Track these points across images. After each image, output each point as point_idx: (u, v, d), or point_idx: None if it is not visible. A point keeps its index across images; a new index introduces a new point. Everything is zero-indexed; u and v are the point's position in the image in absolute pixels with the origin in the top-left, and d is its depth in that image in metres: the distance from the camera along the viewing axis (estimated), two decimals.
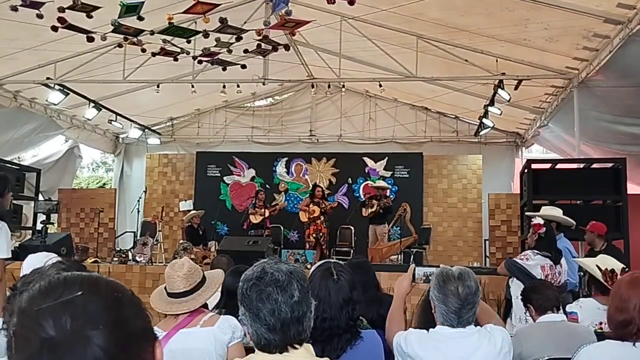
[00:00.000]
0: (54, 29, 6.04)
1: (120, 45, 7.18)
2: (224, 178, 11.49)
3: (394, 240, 8.73)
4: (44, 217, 6.60)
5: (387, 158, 11.04)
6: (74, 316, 0.80)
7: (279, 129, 12.02)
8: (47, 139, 10.61)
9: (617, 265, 3.51)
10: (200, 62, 7.74)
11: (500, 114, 8.87)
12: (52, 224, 8.10)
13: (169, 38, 6.90)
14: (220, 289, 3.10)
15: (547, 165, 7.72)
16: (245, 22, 6.93)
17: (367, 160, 11.11)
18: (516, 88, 7.93)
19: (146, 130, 11.75)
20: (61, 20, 5.90)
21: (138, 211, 9.82)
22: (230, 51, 7.30)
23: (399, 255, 8.27)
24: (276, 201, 10.93)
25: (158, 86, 9.12)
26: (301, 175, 11.37)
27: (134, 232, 9.64)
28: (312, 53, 9.50)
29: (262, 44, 7.30)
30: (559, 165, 7.75)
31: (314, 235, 9.34)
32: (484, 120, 9.41)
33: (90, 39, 6.43)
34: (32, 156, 11.87)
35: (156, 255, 8.10)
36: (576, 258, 5.20)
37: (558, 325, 3.13)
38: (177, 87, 9.66)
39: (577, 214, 5.80)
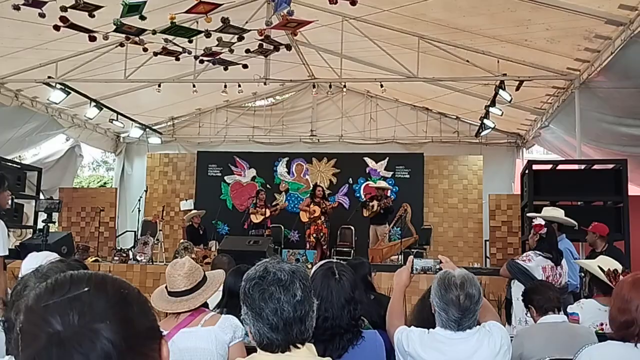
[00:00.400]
0: (56, 28, 6.04)
1: (122, 45, 7.19)
2: (225, 178, 11.50)
3: (394, 241, 8.72)
4: (45, 216, 6.59)
5: (387, 158, 11.04)
6: (81, 312, 0.80)
7: (280, 129, 12.02)
8: (48, 138, 10.61)
9: (617, 266, 3.51)
10: (201, 61, 7.75)
11: (501, 115, 8.87)
12: (53, 223, 8.09)
13: (170, 37, 6.91)
14: (221, 289, 3.10)
15: (548, 166, 7.72)
16: (247, 22, 6.95)
17: (368, 160, 11.11)
18: (517, 89, 7.93)
19: (147, 129, 11.75)
20: (63, 19, 5.90)
21: (139, 210, 9.83)
22: (231, 51, 7.31)
23: (400, 256, 8.26)
24: (277, 201, 10.93)
25: (159, 85, 9.13)
26: (302, 175, 11.37)
27: (135, 232, 9.64)
28: (313, 53, 9.51)
29: (264, 44, 7.31)
30: (559, 166, 7.76)
31: (315, 235, 9.34)
32: (485, 121, 9.41)
33: (92, 39, 6.44)
34: (33, 155, 11.89)
35: (157, 255, 8.10)
36: (577, 259, 5.20)
37: (559, 326, 3.12)
38: (178, 87, 9.67)
39: (578, 215, 5.80)
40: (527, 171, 7.33)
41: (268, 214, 9.50)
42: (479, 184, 10.87)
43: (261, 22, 6.78)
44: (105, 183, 18.30)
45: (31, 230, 9.25)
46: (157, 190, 11.71)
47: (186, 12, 5.96)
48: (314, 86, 10.23)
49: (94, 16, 5.82)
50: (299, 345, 1.52)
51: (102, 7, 5.73)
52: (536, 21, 6.32)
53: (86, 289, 0.83)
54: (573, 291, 4.97)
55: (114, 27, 6.10)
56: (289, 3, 5.68)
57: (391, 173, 10.98)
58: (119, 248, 8.74)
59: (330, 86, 10.19)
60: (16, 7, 5.57)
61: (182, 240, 8.66)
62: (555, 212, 5.57)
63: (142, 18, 5.79)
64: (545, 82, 8.04)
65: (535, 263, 4.36)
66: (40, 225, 7.43)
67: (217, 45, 7.02)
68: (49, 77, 8.50)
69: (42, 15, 5.66)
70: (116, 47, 7.44)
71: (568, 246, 5.33)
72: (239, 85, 9.53)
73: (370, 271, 3.52)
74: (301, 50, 9.68)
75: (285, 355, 1.51)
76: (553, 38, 6.65)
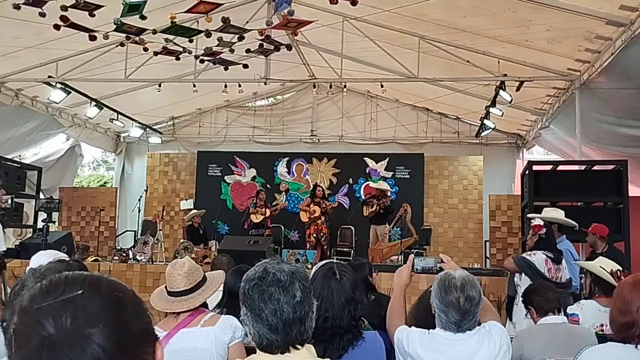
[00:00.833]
0: (57, 27, 6.04)
1: (122, 44, 7.19)
2: (225, 177, 11.50)
3: (394, 241, 8.72)
4: (45, 216, 6.58)
5: (388, 158, 11.04)
6: (74, 315, 0.80)
7: (280, 129, 12.02)
8: (49, 138, 10.61)
9: (616, 268, 3.51)
10: (202, 61, 7.74)
11: (502, 115, 8.87)
12: (53, 222, 8.08)
13: (171, 37, 6.90)
14: (221, 289, 3.10)
15: (548, 167, 7.72)
16: (247, 22, 6.95)
17: (368, 160, 11.11)
18: (518, 89, 7.92)
19: (147, 129, 11.75)
20: (63, 18, 5.90)
21: (139, 210, 9.84)
22: (232, 51, 7.31)
23: (400, 256, 8.26)
24: (277, 201, 10.93)
25: (160, 85, 9.13)
26: (302, 175, 11.37)
27: (135, 231, 9.64)
28: (314, 53, 9.51)
29: (264, 44, 7.31)
30: (560, 167, 7.76)
31: (315, 235, 9.34)
32: (485, 121, 9.41)
33: (93, 38, 6.44)
34: (33, 154, 11.89)
35: (157, 254, 8.09)
36: (577, 260, 5.20)
37: (559, 327, 3.12)
38: (178, 87, 9.66)
39: (578, 216, 5.80)
40: (527, 172, 7.33)
41: (268, 213, 9.50)
42: (479, 185, 10.87)
43: (262, 22, 6.78)
44: (105, 182, 18.29)
45: (31, 229, 9.25)
46: (157, 190, 11.71)
47: (186, 11, 5.96)
48: (314, 86, 10.23)
49: (94, 15, 5.82)
50: (299, 346, 1.52)
51: (102, 6, 5.73)
52: (537, 22, 6.32)
53: (80, 291, 0.83)
54: (573, 292, 4.96)
55: (115, 26, 6.09)
56: (290, 3, 5.68)
57: (391, 173, 10.98)
58: (119, 248, 8.73)
59: (330, 86, 10.19)
60: (16, 7, 5.57)
61: (182, 240, 8.66)
62: (555, 213, 5.56)
63: (143, 18, 5.79)
64: (545, 82, 8.04)
65: (537, 256, 4.41)
66: (40, 224, 7.42)
67: (217, 45, 7.02)
68: (49, 77, 8.50)
69: (42, 15, 5.66)
70: (116, 46, 7.43)
71: (568, 247, 5.33)
72: (240, 85, 9.53)
73: (371, 272, 3.52)
74: (301, 50, 9.68)
75: (284, 356, 1.50)
76: (554, 39, 6.64)
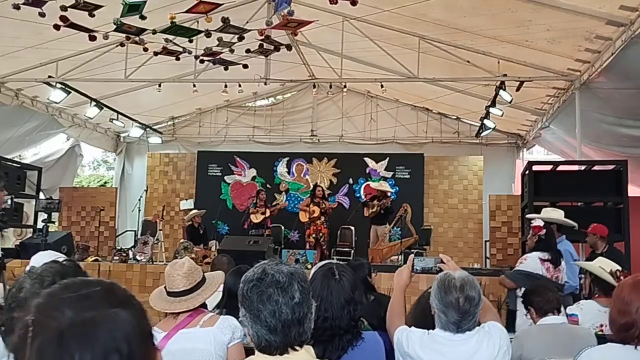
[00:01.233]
0: (56, 27, 6.04)
1: (122, 44, 7.19)
2: (225, 177, 11.50)
3: (394, 241, 8.72)
4: (45, 216, 6.58)
5: (388, 158, 11.04)
6: (94, 306, 0.86)
7: (280, 129, 12.02)
8: (49, 137, 10.61)
9: (617, 267, 3.51)
10: (202, 61, 7.74)
11: (502, 115, 8.87)
12: (53, 222, 8.09)
13: (171, 37, 6.90)
14: (221, 289, 3.09)
15: (548, 167, 7.72)
16: (247, 22, 6.95)
17: (368, 160, 11.11)
18: (518, 89, 7.92)
19: (147, 129, 11.75)
20: (63, 18, 5.90)
21: (139, 210, 9.83)
22: (232, 51, 7.31)
23: (400, 256, 8.26)
24: (277, 201, 10.93)
25: (160, 85, 9.13)
26: (302, 175, 11.37)
27: (135, 231, 9.64)
28: (313, 53, 9.51)
29: (264, 44, 7.30)
30: (560, 167, 7.75)
31: (314, 235, 9.34)
32: (485, 121, 9.41)
33: (93, 38, 6.44)
34: (33, 154, 11.89)
35: (157, 255, 8.09)
36: (577, 261, 5.20)
37: (559, 327, 3.12)
38: (178, 87, 9.66)
39: (578, 216, 5.80)
40: (527, 172, 7.33)
41: (268, 213, 9.50)
42: (479, 185, 10.87)
43: (261, 22, 6.78)
44: (105, 182, 18.29)
45: (31, 229, 9.25)
46: (157, 189, 11.72)
47: (186, 11, 5.96)
48: (314, 86, 10.22)
49: (94, 16, 5.82)
50: (297, 348, 1.51)
51: (102, 6, 5.73)
52: (537, 22, 6.32)
53: (98, 288, 0.91)
54: (572, 292, 4.96)
55: (114, 26, 6.10)
56: (290, 3, 5.68)
57: (391, 173, 10.98)
58: (119, 248, 8.73)
59: (330, 86, 10.19)
60: (16, 7, 5.57)
61: (182, 240, 8.66)
62: (555, 213, 5.56)
63: (142, 18, 5.79)
64: (545, 82, 8.04)
65: (531, 258, 4.38)
66: (40, 224, 7.42)
67: (217, 45, 7.02)
68: (49, 77, 8.50)
69: (42, 15, 5.66)
70: (116, 46, 7.44)
71: (568, 247, 5.33)
72: (240, 85, 9.53)
73: (370, 272, 3.52)
74: (301, 50, 9.67)
75: (283, 357, 1.50)
76: (554, 39, 6.64)
